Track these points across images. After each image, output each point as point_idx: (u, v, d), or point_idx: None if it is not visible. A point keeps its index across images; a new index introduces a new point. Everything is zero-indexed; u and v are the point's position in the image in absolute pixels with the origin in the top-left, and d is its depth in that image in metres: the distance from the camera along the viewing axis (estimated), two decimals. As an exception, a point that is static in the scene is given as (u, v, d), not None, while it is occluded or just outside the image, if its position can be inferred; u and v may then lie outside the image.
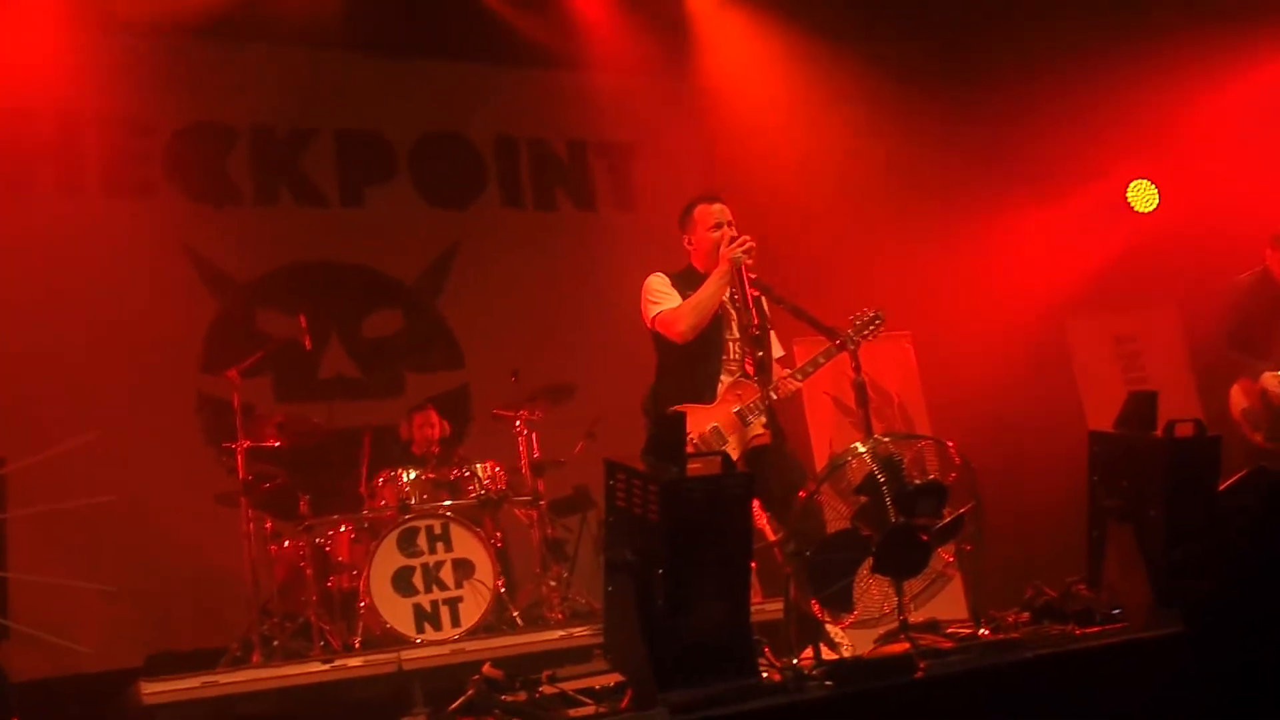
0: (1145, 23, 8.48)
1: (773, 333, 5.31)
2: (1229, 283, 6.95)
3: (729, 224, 5.31)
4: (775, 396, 5.07)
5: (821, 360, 5.20)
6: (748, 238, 5.17)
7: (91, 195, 8.13)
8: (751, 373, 5.13)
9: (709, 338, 5.20)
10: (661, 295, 5.29)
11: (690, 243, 5.40)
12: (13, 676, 6.37)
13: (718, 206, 5.37)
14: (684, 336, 5.16)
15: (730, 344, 5.26)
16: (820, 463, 7.47)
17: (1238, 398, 6.67)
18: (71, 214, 7.97)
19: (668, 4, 9.16)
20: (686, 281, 5.30)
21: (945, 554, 4.22)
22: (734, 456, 5.02)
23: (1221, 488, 4.56)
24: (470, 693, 3.88)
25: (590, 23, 9.06)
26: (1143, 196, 9.35)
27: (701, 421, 5.06)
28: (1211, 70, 8.46)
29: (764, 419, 5.11)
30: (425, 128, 9.38)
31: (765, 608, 5.38)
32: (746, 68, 9.33)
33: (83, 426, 7.34)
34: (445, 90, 9.37)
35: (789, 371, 5.26)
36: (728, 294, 5.23)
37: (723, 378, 5.22)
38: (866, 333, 5.17)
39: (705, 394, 5.18)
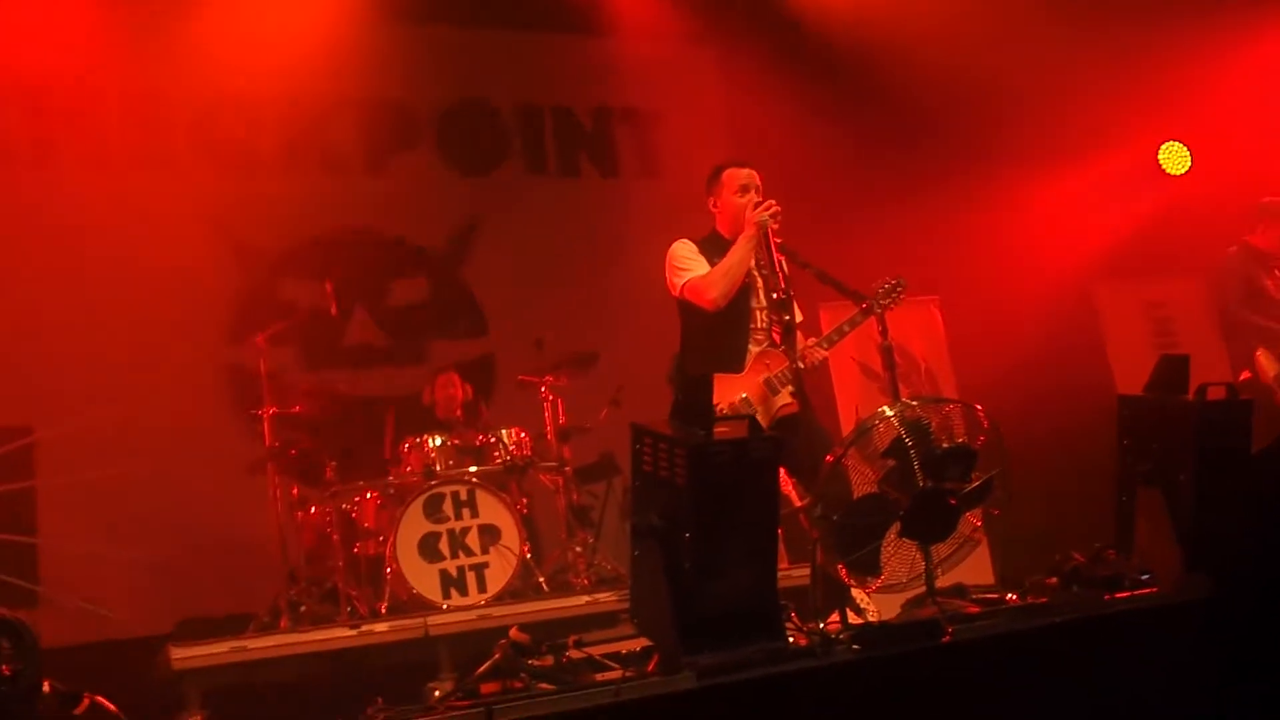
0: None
1: (794, 299, 5.27)
2: (1223, 254, 6.92)
3: (757, 189, 5.26)
4: (802, 365, 5.04)
5: (847, 328, 5.17)
6: (773, 202, 5.12)
7: (116, 167, 8.13)
8: (778, 340, 5.10)
9: (736, 306, 5.17)
10: (689, 262, 5.24)
11: (715, 205, 5.36)
12: (43, 642, 6.44)
13: (746, 171, 5.32)
14: (715, 304, 5.12)
15: (757, 312, 5.22)
16: (847, 428, 7.45)
17: (1267, 362, 6.60)
18: (96, 186, 7.98)
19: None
20: (712, 247, 5.26)
21: (973, 518, 4.20)
22: (762, 426, 5.00)
23: (1254, 452, 4.51)
24: (497, 657, 3.88)
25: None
26: (1175, 159, 9.24)
27: (730, 391, 5.04)
28: (1245, 31, 8.34)
29: (791, 388, 5.08)
30: (449, 95, 9.35)
31: (791, 573, 5.38)
32: (767, 37, 9.25)
33: (110, 397, 7.42)
34: (469, 57, 9.32)
35: (815, 340, 5.22)
36: (754, 262, 5.20)
37: (750, 347, 5.19)
38: (888, 300, 5.13)
39: (733, 363, 5.15)
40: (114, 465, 7.39)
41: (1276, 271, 6.85)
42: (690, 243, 5.31)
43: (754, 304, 5.23)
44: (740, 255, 5.11)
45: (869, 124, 9.04)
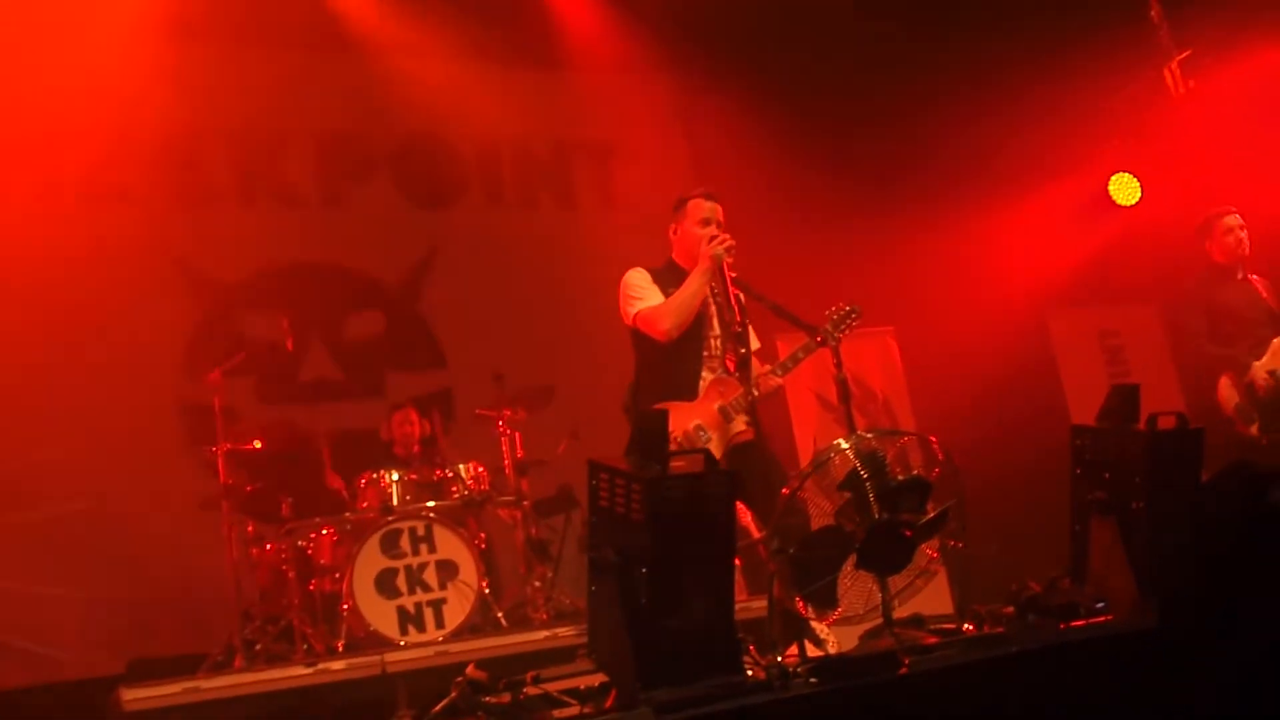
0: (1125, 15, 8.49)
1: (750, 327, 5.29)
2: (1181, 289, 6.96)
3: (718, 223, 5.30)
4: (757, 393, 5.06)
5: (801, 355, 5.19)
6: (728, 236, 5.16)
7: (70, 200, 8.06)
8: (733, 369, 5.12)
9: (690, 335, 5.18)
10: (642, 291, 5.26)
11: (676, 232, 5.38)
12: (-7, 684, 6.34)
13: (710, 204, 5.36)
14: (667, 335, 5.14)
15: (711, 340, 5.24)
16: (805, 459, 7.46)
17: (1227, 393, 6.63)
18: (51, 221, 7.89)
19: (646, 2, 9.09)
20: (666, 276, 5.29)
21: (929, 549, 4.21)
22: (717, 454, 5.00)
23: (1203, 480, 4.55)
24: (453, 695, 3.85)
25: (570, 22, 9.02)
26: (1125, 190, 9.36)
27: (685, 419, 5.04)
28: (1194, 61, 8.47)
29: (746, 415, 5.10)
30: (406, 127, 9.34)
31: (750, 605, 5.36)
32: (725, 68, 9.31)
33: (60, 433, 7.32)
34: (425, 89, 9.31)
35: (770, 367, 5.25)
36: (709, 290, 5.23)
37: (704, 374, 5.20)
38: (844, 327, 5.17)
39: (687, 391, 5.16)
40: (64, 503, 7.30)
41: (1237, 281, 6.82)
42: (644, 271, 5.33)
43: (708, 332, 5.25)
44: (694, 288, 5.13)
45: (824, 156, 9.11)
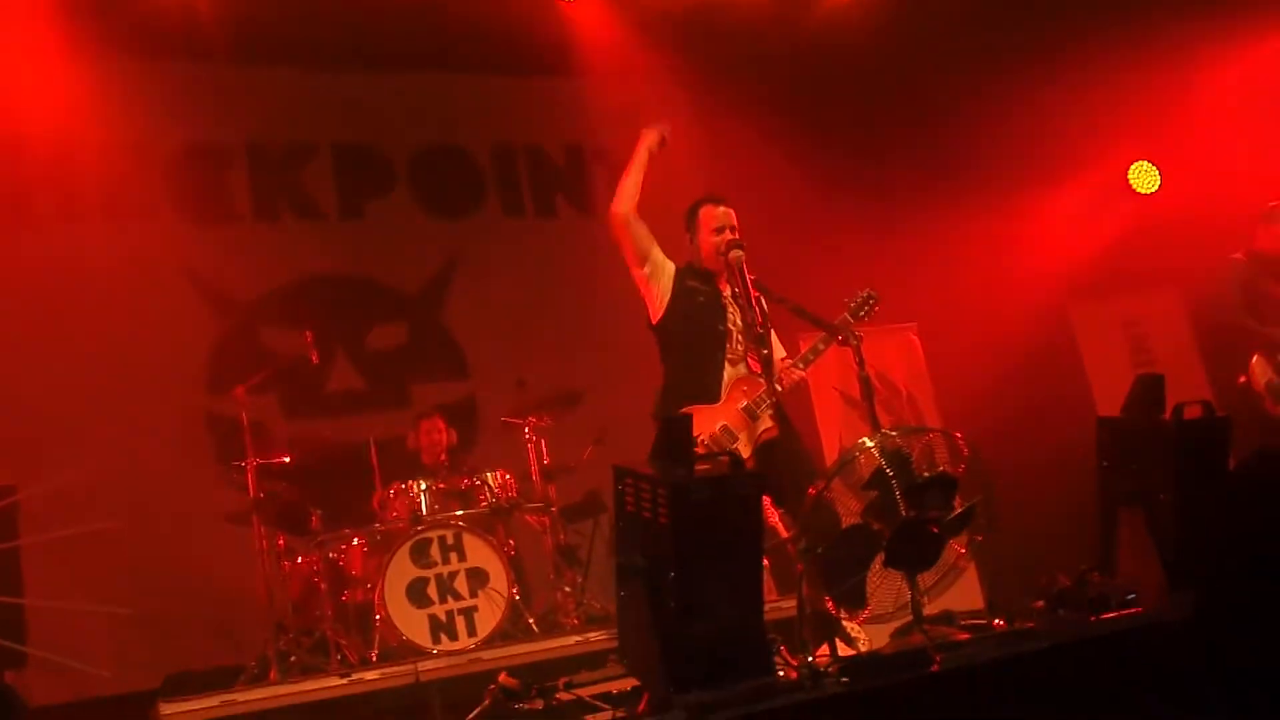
0: (1144, 3, 8.47)
1: (774, 333, 5.31)
2: (1226, 261, 6.93)
3: (731, 228, 5.32)
4: (781, 387, 5.07)
5: (821, 347, 5.21)
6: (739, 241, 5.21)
7: (92, 219, 8.13)
8: (756, 370, 5.13)
9: (710, 337, 5.22)
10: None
11: (692, 243, 5.42)
12: (32, 701, 6.39)
13: (722, 209, 5.39)
14: (614, 214, 5.36)
15: (734, 337, 5.26)
16: (831, 457, 7.46)
17: (1261, 369, 6.60)
18: (72, 239, 7.97)
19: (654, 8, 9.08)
20: (692, 274, 5.35)
21: (957, 545, 4.22)
22: (745, 454, 5.03)
23: (1231, 467, 4.54)
24: (487, 702, 3.88)
25: (583, 29, 9.03)
26: (1144, 178, 9.33)
27: (710, 421, 5.06)
28: (1210, 49, 8.44)
29: (772, 412, 5.11)
30: (423, 138, 9.38)
31: (780, 605, 5.38)
32: (741, 69, 9.31)
33: (92, 452, 7.38)
34: (442, 101, 9.37)
35: (791, 360, 5.27)
36: (729, 291, 5.28)
37: (727, 370, 5.22)
38: (863, 313, 5.18)
39: (710, 393, 5.19)
40: (98, 521, 7.35)
41: (1277, 273, 6.83)
42: (671, 265, 5.42)
43: (730, 334, 5.27)
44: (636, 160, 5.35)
45: (842, 155, 9.12)
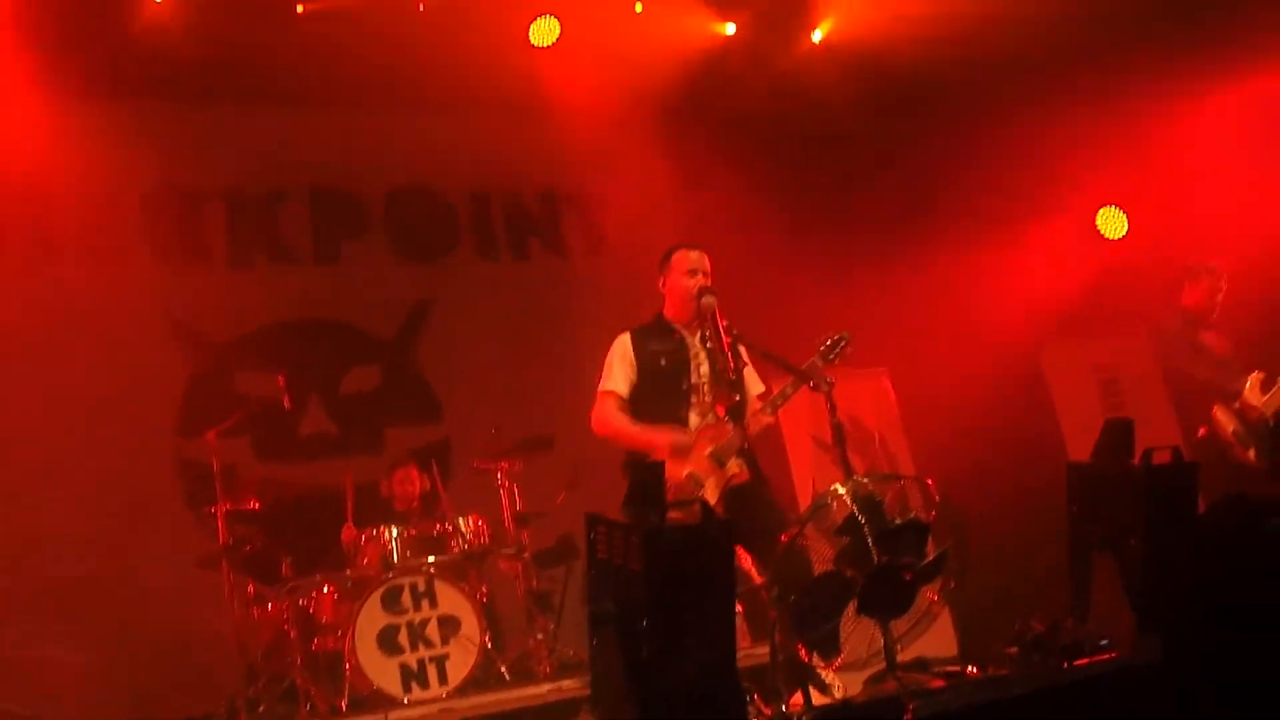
0: (1110, 50, 8.58)
1: (750, 369, 5.32)
2: (1157, 322, 7.15)
3: (705, 273, 5.34)
4: (749, 433, 5.07)
5: (790, 391, 5.19)
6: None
7: (66, 261, 8.08)
8: (722, 414, 5.12)
9: (673, 393, 5.23)
10: (612, 369, 5.37)
11: (664, 285, 5.44)
12: (-5, 753, 6.30)
13: (696, 254, 5.41)
14: (595, 430, 5.33)
15: (701, 388, 5.26)
16: (804, 503, 7.45)
17: (1225, 418, 6.73)
18: (47, 281, 7.93)
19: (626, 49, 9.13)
20: (654, 333, 5.36)
21: (930, 592, 4.22)
22: (712, 499, 5.00)
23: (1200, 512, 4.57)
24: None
25: (554, 71, 9.07)
26: (1112, 223, 9.42)
27: (676, 468, 5.04)
28: (1176, 95, 8.55)
29: (740, 459, 5.10)
30: (396, 181, 9.39)
31: (753, 652, 5.36)
32: (715, 113, 9.38)
33: (60, 495, 7.32)
34: (414, 144, 9.38)
35: (760, 405, 5.27)
36: (698, 335, 5.29)
37: (693, 420, 5.22)
38: (833, 355, 5.19)
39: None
40: (64, 566, 7.28)
41: (1211, 330, 7.04)
42: (627, 341, 5.39)
43: (696, 380, 5.27)
44: (644, 445, 5.16)
45: (814, 200, 9.17)
